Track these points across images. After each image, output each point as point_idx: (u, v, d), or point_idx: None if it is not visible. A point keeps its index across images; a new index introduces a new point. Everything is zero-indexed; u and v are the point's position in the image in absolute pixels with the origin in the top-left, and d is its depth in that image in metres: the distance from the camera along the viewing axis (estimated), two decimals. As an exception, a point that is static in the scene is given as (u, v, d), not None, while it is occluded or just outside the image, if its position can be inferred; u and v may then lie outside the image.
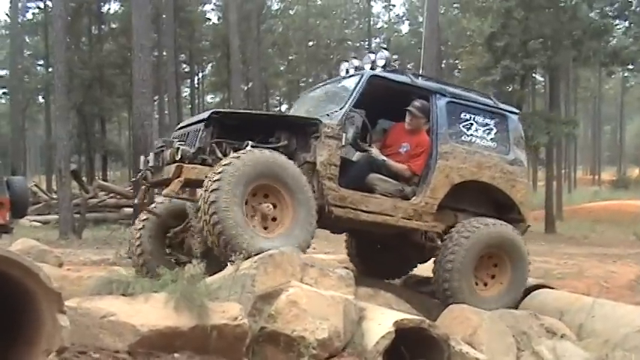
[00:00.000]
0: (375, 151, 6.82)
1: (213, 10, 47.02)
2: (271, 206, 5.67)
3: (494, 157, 7.15)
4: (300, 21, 47.85)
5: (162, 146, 6.30)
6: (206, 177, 5.45)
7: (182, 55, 45.34)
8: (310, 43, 48.90)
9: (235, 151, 5.85)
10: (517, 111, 7.80)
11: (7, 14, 36.73)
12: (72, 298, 4.06)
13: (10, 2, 29.41)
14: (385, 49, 7.23)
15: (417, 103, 6.86)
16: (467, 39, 28.82)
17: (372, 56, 6.96)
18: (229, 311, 4.28)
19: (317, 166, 6.12)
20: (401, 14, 58.43)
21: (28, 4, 41.75)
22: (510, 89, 24.35)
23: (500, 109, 7.48)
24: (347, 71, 7.22)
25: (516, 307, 6.93)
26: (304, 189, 5.75)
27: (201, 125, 6.04)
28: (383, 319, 5.21)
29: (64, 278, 4.30)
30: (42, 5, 39.58)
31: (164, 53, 33.93)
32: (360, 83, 6.58)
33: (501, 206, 7.27)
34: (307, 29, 46.76)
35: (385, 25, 56.88)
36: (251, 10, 39.89)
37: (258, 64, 38.92)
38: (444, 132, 6.89)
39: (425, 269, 7.84)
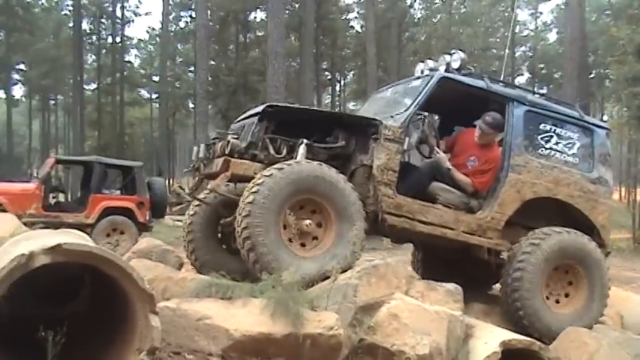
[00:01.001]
0: (441, 157, 6.47)
1: (356, 18, 47.43)
2: (312, 223, 5.32)
3: (574, 173, 6.60)
4: (443, 29, 47.23)
5: (215, 138, 6.11)
6: (246, 189, 5.17)
7: (324, 63, 46.11)
8: (453, 52, 48.24)
9: (290, 148, 5.69)
10: (606, 126, 7.19)
11: (160, 23, 38.80)
12: (173, 298, 4.18)
13: (162, 12, 31.00)
14: (462, 51, 6.79)
15: (488, 117, 6.40)
16: (617, 48, 27.34)
17: (448, 57, 6.55)
18: (325, 321, 4.25)
19: (373, 170, 5.77)
20: (548, 22, 56.36)
21: (182, 13, 43.90)
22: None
23: (586, 122, 6.92)
24: (422, 72, 6.81)
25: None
26: (352, 206, 5.37)
27: (255, 119, 5.80)
28: (490, 338, 5.02)
29: (169, 279, 4.42)
30: (193, 14, 41.48)
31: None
32: (429, 85, 6.18)
33: (580, 228, 6.50)
34: (450, 37, 45.98)
35: (531, 33, 55.06)
36: (392, 18, 39.92)
37: (397, 73, 38.84)
38: (518, 143, 6.40)
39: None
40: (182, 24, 45.49)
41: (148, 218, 14.20)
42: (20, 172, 43.29)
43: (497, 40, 51.75)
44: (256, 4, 38.98)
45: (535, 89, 55.42)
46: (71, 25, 41.84)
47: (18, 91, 50.24)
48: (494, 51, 51.14)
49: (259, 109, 5.85)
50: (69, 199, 16.88)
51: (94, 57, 48.32)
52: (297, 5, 35.89)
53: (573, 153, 6.67)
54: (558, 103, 7.13)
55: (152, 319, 3.41)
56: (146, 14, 69.19)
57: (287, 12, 37.11)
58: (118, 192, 14.21)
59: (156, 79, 48.49)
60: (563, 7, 51.49)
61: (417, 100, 6.10)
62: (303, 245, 5.31)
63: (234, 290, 4.35)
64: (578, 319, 6.14)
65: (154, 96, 51.73)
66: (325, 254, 5.21)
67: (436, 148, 6.53)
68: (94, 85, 48.38)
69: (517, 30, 51.20)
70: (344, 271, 4.95)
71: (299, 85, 32.71)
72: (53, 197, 14.62)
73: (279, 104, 6.12)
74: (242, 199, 5.07)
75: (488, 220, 6.24)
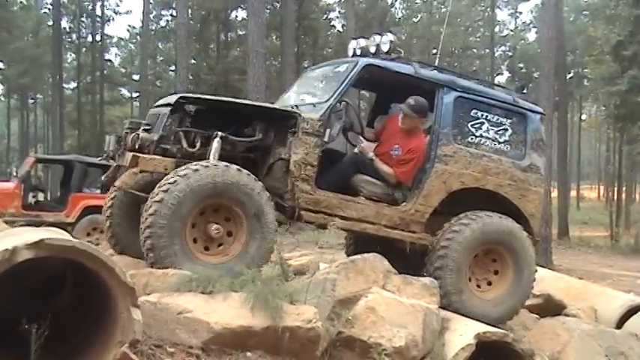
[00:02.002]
0: (365, 146, 6.31)
1: (337, 17, 47.54)
2: (221, 230, 5.06)
3: (504, 162, 6.42)
4: (423, 29, 47.49)
5: (129, 128, 5.80)
6: (157, 186, 4.92)
7: (305, 62, 46.22)
8: (433, 51, 48.49)
9: (205, 141, 5.45)
10: (540, 110, 6.98)
11: (141, 22, 38.67)
12: (154, 293, 4.26)
13: (143, 10, 30.94)
14: (390, 32, 6.61)
15: (411, 100, 6.13)
16: (595, 47, 27.75)
17: (378, 38, 6.37)
18: (304, 314, 4.35)
19: (291, 165, 5.55)
20: (528, 22, 56.80)
21: (162, 12, 43.76)
22: (637, 100, 23.21)
23: (520, 107, 6.71)
24: (354, 51, 6.56)
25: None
26: (266, 217, 5.13)
27: (167, 110, 5.52)
28: (465, 330, 5.17)
29: (150, 274, 4.48)
30: (174, 13, 41.40)
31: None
32: (353, 73, 5.96)
33: (510, 217, 6.35)
34: (430, 37, 46.27)
35: (511, 33, 55.47)
36: (373, 17, 40.06)
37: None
38: (447, 132, 6.18)
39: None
40: (163, 23, 45.31)
41: None
42: (-1, 171, 43.11)
43: (477, 39, 52.20)
44: (237, 2, 38.94)
45: (515, 88, 56.18)
46: (50, 23, 41.48)
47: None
48: (474, 50, 51.58)
49: (172, 99, 5.60)
50: (48, 199, 16.80)
51: (73, 55, 48.03)
52: (278, 5, 35.90)
53: (505, 140, 6.50)
54: (492, 87, 6.95)
55: (134, 312, 3.50)
56: (126, 13, 68.87)
57: (268, 11, 37.15)
58: (99, 191, 14.18)
59: (136, 77, 48.29)
60: (541, 6, 52.18)
61: (339, 90, 5.90)
62: (206, 249, 5.12)
63: (215, 285, 4.41)
64: (502, 304, 6.15)
65: (135, 95, 51.49)
66: (227, 264, 4.99)
67: (360, 137, 6.39)
68: (73, 84, 48.09)
69: (497, 30, 51.64)
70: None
71: (280, 84, 32.77)
72: (33, 196, 14.57)
73: (191, 95, 5.92)
74: (151, 195, 4.88)
75: (412, 213, 6.08)
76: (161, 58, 48.75)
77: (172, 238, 4.77)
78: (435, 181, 6.10)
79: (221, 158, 5.29)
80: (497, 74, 53.08)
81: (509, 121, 6.54)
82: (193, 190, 4.82)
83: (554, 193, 24.00)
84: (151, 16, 38.52)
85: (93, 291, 3.68)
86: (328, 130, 5.72)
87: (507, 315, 6.22)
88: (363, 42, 6.53)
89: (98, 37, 46.40)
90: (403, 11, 49.63)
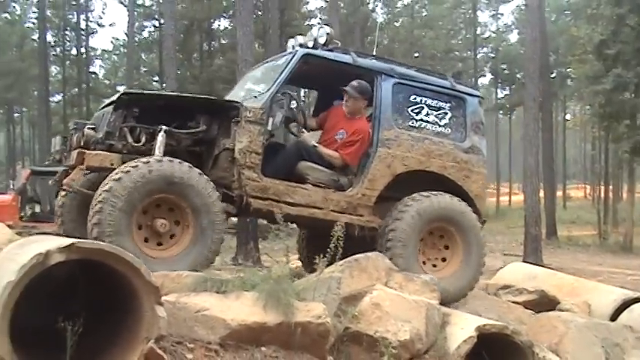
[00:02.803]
0: (306, 136, 6.37)
1: (319, 24, 47.82)
2: (167, 223, 5.16)
3: (446, 144, 6.59)
4: (406, 33, 47.86)
5: (74, 128, 5.88)
6: (101, 185, 5.01)
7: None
8: (416, 55, 48.83)
9: (150, 136, 5.53)
10: (477, 93, 7.20)
11: (125, 33, 38.81)
12: (171, 293, 4.46)
13: (128, 22, 31.10)
14: (326, 25, 6.79)
15: (355, 82, 6.30)
16: (578, 47, 28.16)
17: (315, 32, 6.49)
18: (313, 310, 4.55)
19: (236, 153, 5.64)
20: (509, 23, 57.35)
21: (145, 23, 43.88)
22: (622, 98, 23.57)
23: (458, 90, 6.87)
24: (293, 48, 6.63)
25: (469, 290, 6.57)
26: (211, 206, 5.25)
27: (111, 108, 5.59)
28: (466, 324, 5.35)
29: (165, 276, 4.68)
30: (157, 24, 41.53)
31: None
32: (291, 62, 6.09)
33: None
34: (412, 41, 46.69)
35: (493, 35, 55.98)
36: (355, 22, 40.36)
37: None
38: (387, 116, 6.33)
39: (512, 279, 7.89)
40: (146, 34, 45.47)
41: None
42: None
43: (459, 42, 52.63)
44: (220, 12, 39.18)
45: (498, 90, 56.61)
46: (35, 37, 41.67)
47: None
48: (456, 53, 51.99)
49: (114, 97, 5.66)
50: (44, 210, 16.91)
51: (58, 68, 48.06)
52: (260, 13, 36.10)
53: (445, 123, 6.66)
54: (429, 73, 7.10)
55: (158, 309, 3.71)
56: (110, 25, 68.99)
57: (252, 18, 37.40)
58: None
59: (121, 89, 48.35)
60: (523, 8, 52.60)
61: (279, 79, 6.01)
62: (159, 244, 5.20)
63: (228, 285, 4.62)
64: (456, 281, 6.35)
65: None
66: (180, 256, 5.15)
67: (301, 129, 6.44)
68: (59, 97, 48.11)
69: (478, 32, 52.10)
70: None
71: (266, 92, 32.92)
72: (29, 208, 14.72)
73: (134, 91, 6.06)
74: (96, 194, 4.94)
75: (359, 197, 6.18)
76: (145, 69, 48.85)
77: (118, 233, 4.85)
78: (379, 165, 6.25)
79: (166, 153, 5.38)
80: (480, 76, 53.65)
81: (447, 105, 6.73)
82: (136, 186, 4.91)
83: (541, 193, 24.24)
84: (134, 27, 38.65)
85: (120, 291, 3.87)
86: (271, 119, 5.81)
87: (462, 291, 6.44)
88: (300, 38, 6.69)
89: (83, 50, 46.47)
90: (385, 16, 49.99)
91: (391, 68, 6.57)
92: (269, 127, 5.82)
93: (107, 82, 53.13)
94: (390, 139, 6.30)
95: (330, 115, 6.70)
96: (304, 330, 4.45)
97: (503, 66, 52.70)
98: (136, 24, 40.93)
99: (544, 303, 7.33)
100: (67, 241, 3.51)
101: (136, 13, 38.23)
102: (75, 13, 45.22)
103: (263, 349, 4.34)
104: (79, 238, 5.62)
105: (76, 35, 45.67)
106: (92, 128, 5.60)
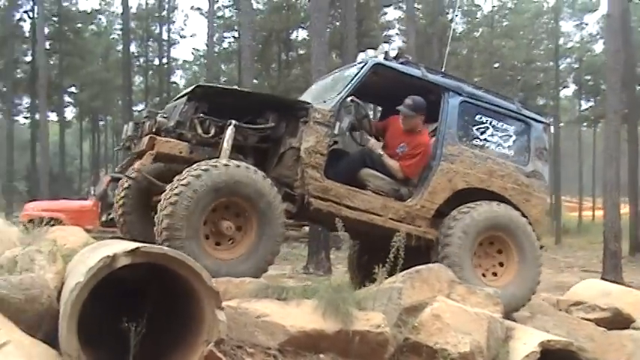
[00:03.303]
0: (373, 143, 6.41)
1: (397, 34, 47.76)
2: (232, 227, 5.24)
3: (509, 165, 6.58)
4: (485, 43, 47.24)
5: (146, 116, 5.99)
6: (169, 187, 5.05)
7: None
8: (495, 65, 48.16)
9: (219, 129, 5.62)
10: (544, 120, 7.19)
11: (205, 44, 39.75)
12: (234, 299, 4.59)
13: (208, 33, 31.83)
14: (387, 42, 6.81)
15: (408, 100, 6.31)
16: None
17: (386, 46, 6.50)
18: (373, 320, 4.61)
19: (301, 152, 5.68)
20: (594, 32, 55.73)
21: (225, 34, 44.79)
22: None
23: (524, 115, 6.87)
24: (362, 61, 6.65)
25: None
26: (275, 213, 5.29)
27: (184, 99, 5.75)
28: (529, 338, 5.29)
29: (228, 282, 4.81)
30: (236, 35, 42.32)
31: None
32: (363, 70, 6.16)
33: None
34: (492, 51, 46.00)
35: (577, 45, 54.55)
36: (433, 33, 40.14)
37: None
38: (452, 132, 6.37)
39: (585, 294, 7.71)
40: (226, 44, 46.38)
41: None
42: (71, 190, 44.57)
43: (541, 52, 51.52)
44: (298, 22, 39.65)
45: (581, 101, 55.17)
46: (120, 48, 43.07)
47: (69, 113, 51.70)
48: (538, 63, 50.92)
49: (189, 89, 5.83)
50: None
51: (141, 78, 49.52)
52: (338, 23, 36.33)
53: (509, 145, 6.66)
54: (497, 95, 7.06)
55: (219, 313, 3.84)
56: (191, 36, 70.70)
57: (328, 29, 37.71)
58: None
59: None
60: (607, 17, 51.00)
61: (350, 86, 6.07)
62: (217, 244, 5.27)
63: (289, 292, 4.73)
64: (510, 295, 6.16)
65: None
66: (242, 258, 5.22)
67: (367, 136, 6.47)
68: (141, 106, 49.56)
69: (561, 42, 50.90)
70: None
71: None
72: (108, 214, 15.20)
73: (208, 84, 6.14)
74: (164, 196, 5.02)
75: (418, 208, 6.19)
76: (224, 79, 49.84)
77: (189, 232, 4.94)
78: (440, 179, 6.26)
79: (233, 148, 5.50)
80: (563, 87, 52.28)
81: (513, 128, 6.73)
82: (204, 190, 4.97)
83: (625, 208, 23.44)
84: (214, 38, 39.48)
85: (182, 295, 4.02)
86: (338, 123, 5.88)
87: (512, 305, 6.23)
88: (371, 52, 6.67)
89: (165, 60, 47.77)
90: (464, 26, 49.45)
91: (459, 86, 6.61)
92: (336, 131, 5.90)
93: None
94: (453, 154, 6.32)
95: (390, 127, 6.70)
96: (362, 339, 4.50)
97: (588, 77, 51.24)
98: (216, 35, 41.84)
99: (618, 321, 7.13)
100: (133, 245, 3.67)
101: (215, 24, 39.08)
102: (158, 24, 46.53)
103: (321, 356, 4.42)
104: (138, 234, 5.93)
105: (159, 46, 46.99)
106: (164, 117, 5.75)
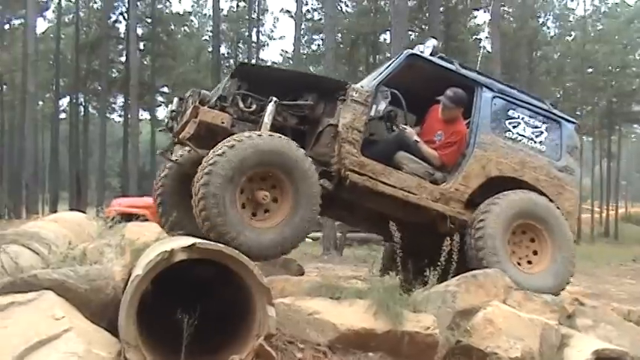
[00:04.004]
0: (409, 130, 6.47)
1: (487, 38, 47.08)
2: (268, 196, 5.23)
3: (541, 159, 6.68)
4: (577, 47, 46.01)
5: (189, 95, 6.08)
6: (204, 159, 5.08)
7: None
8: (589, 70, 46.84)
9: (260, 106, 5.74)
10: (573, 120, 7.25)
11: (293, 46, 40.32)
12: (289, 296, 4.80)
13: (295, 35, 32.30)
14: (434, 37, 6.82)
15: (450, 92, 6.40)
16: None
17: (421, 46, 6.62)
18: (423, 321, 4.72)
19: (339, 127, 5.78)
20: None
21: (314, 37, 45.27)
22: None
23: (554, 114, 6.98)
24: None
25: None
26: (311, 187, 5.30)
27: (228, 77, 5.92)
28: (584, 346, 5.29)
29: (286, 280, 5.03)
30: (324, 37, 42.72)
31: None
32: (398, 59, 6.35)
33: None
34: (584, 56, 44.78)
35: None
36: (523, 37, 39.47)
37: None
38: (486, 123, 6.50)
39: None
40: (314, 47, 46.83)
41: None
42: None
43: (638, 57, 49.71)
44: (385, 26, 39.74)
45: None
46: (210, 49, 44.13)
47: (161, 112, 53.39)
48: (633, 69, 49.19)
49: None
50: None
51: (231, 80, 50.50)
52: (425, 27, 36.24)
53: (541, 141, 6.76)
54: (529, 95, 7.13)
55: (269, 309, 4.06)
56: (280, 38, 71.55)
57: (416, 33, 37.62)
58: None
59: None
60: None
61: (385, 71, 6.25)
62: (254, 215, 5.26)
63: (343, 292, 4.90)
64: (546, 280, 6.20)
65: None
66: (279, 226, 5.20)
67: (402, 125, 6.58)
68: (231, 106, 50.58)
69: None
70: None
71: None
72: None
73: (251, 62, 6.33)
74: (200, 168, 5.05)
75: (452, 191, 6.27)
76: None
77: (225, 198, 4.95)
78: (474, 165, 6.36)
79: (273, 128, 5.58)
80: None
81: (544, 125, 6.84)
82: (239, 160, 5.01)
83: None
84: (303, 40, 39.98)
85: (235, 290, 4.25)
86: (375, 106, 5.97)
87: (561, 284, 6.35)
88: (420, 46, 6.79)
89: (254, 62, 48.69)
90: (556, 30, 48.30)
91: (491, 82, 6.78)
92: (372, 113, 5.99)
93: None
94: (486, 142, 6.44)
95: (428, 117, 6.85)
96: (412, 339, 4.63)
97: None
98: (305, 37, 42.35)
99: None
100: (190, 240, 3.93)
101: (304, 27, 39.60)
102: (247, 27, 47.45)
103: (370, 354, 4.57)
104: (176, 211, 6.06)
105: (248, 48, 47.84)
106: (208, 93, 5.96)
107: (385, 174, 5.98)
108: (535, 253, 6.42)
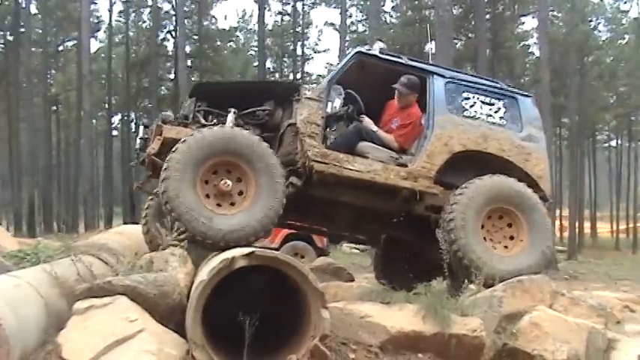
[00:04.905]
0: (366, 121, 6.62)
1: (535, 44, 46.61)
2: (229, 182, 5.41)
3: (503, 131, 6.74)
4: (631, 51, 45.18)
5: (156, 119, 6.38)
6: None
7: (500, 91, 45.57)
8: (640, 74, 45.95)
9: (221, 118, 6.09)
10: (528, 93, 7.36)
11: (338, 59, 40.75)
12: (341, 301, 5.07)
13: (339, 48, 32.64)
14: (380, 40, 6.99)
15: (403, 78, 6.62)
16: None
17: (380, 44, 6.78)
18: (469, 324, 4.94)
19: (297, 124, 5.97)
20: None
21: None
22: None
23: (510, 91, 7.10)
24: None
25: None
26: (271, 168, 5.47)
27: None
28: (631, 350, 5.42)
29: (338, 286, 5.29)
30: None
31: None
32: (347, 58, 6.55)
33: None
34: (638, 60, 43.94)
35: None
36: (572, 42, 39.07)
37: (578, 99, 37.72)
38: (441, 105, 6.60)
39: None
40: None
41: (325, 243, 15.20)
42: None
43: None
44: (433, 35, 39.84)
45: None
46: (256, 64, 44.76)
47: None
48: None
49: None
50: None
51: (275, 93, 51.03)
52: (471, 35, 36.23)
53: (500, 117, 6.85)
54: (482, 78, 7.34)
55: (323, 312, 4.32)
56: (324, 51, 71.96)
57: (462, 41, 37.59)
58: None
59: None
60: None
61: (337, 69, 6.48)
62: (219, 205, 5.41)
63: (392, 297, 5.15)
64: (525, 261, 6.15)
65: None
66: (245, 211, 5.37)
67: (362, 117, 6.66)
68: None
69: None
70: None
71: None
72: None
73: (207, 82, 6.57)
74: (162, 168, 5.31)
75: (419, 170, 6.32)
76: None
77: (184, 187, 5.21)
78: (436, 143, 6.44)
79: None
80: None
81: (501, 102, 6.93)
82: (197, 146, 5.29)
83: None
84: (347, 52, 40.27)
85: (291, 294, 4.53)
86: (330, 103, 6.13)
87: (537, 267, 6.22)
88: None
89: (299, 75, 49.15)
90: (608, 33, 47.49)
91: (442, 70, 6.96)
92: (328, 110, 6.14)
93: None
94: (445, 121, 6.55)
95: (385, 111, 7.03)
96: (459, 342, 4.84)
97: None
98: (350, 49, 42.60)
99: None
100: (249, 249, 4.23)
101: (349, 39, 39.88)
102: (292, 40, 48.00)
103: (420, 355, 4.80)
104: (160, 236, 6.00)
105: (293, 62, 48.39)
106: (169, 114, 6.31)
107: (349, 160, 6.12)
108: (512, 237, 6.41)
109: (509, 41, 39.77)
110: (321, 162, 5.97)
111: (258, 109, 6.28)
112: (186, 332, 4.08)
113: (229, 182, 5.39)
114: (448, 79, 6.79)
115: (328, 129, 6.42)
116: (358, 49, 6.77)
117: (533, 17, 40.94)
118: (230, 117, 5.99)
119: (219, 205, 5.40)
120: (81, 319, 3.87)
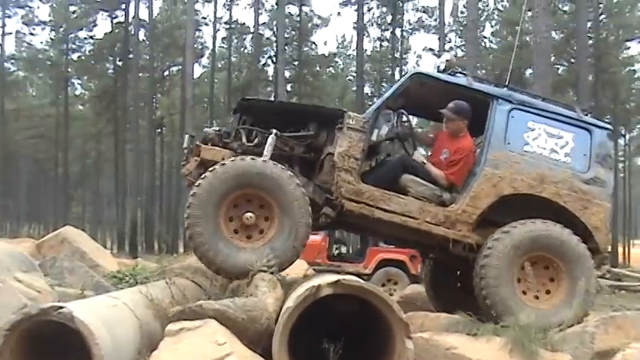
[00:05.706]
0: (416, 154, 6.38)
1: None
2: (253, 216, 5.41)
3: (563, 172, 6.20)
4: None
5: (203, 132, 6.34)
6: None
7: (605, 118, 44.33)
8: None
9: (263, 138, 5.88)
10: (608, 126, 6.68)
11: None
12: (427, 331, 5.08)
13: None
14: (448, 51, 6.65)
15: (451, 104, 6.26)
16: None
17: (437, 60, 6.51)
18: (559, 360, 4.87)
19: (334, 156, 5.79)
20: None
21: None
22: None
23: (584, 121, 6.46)
24: None
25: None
26: (296, 202, 5.39)
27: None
28: None
29: (425, 316, 5.30)
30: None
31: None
32: (400, 82, 6.24)
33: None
34: None
35: None
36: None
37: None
38: (499, 139, 6.15)
39: None
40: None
41: (419, 270, 15.12)
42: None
43: None
44: (529, 62, 39.20)
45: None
46: (354, 89, 45.17)
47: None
48: None
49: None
50: (349, 251, 18.37)
51: (375, 118, 51.32)
52: (573, 60, 35.40)
53: (566, 152, 6.32)
54: (554, 103, 6.71)
55: (407, 342, 4.36)
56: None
57: (564, 67, 36.75)
58: (393, 245, 15.26)
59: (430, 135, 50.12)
60: None
61: (386, 95, 6.23)
62: (249, 238, 5.45)
63: (479, 328, 5.12)
64: (553, 316, 5.74)
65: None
66: (266, 246, 5.35)
67: (413, 148, 6.47)
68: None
69: None
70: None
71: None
72: (336, 248, 16.05)
73: (253, 97, 6.43)
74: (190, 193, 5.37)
75: (459, 213, 6.01)
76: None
77: (206, 222, 5.25)
78: (484, 184, 6.08)
79: (280, 158, 5.79)
80: None
81: (570, 134, 6.38)
82: (220, 180, 5.29)
83: None
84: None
85: (376, 323, 4.60)
86: (376, 130, 6.01)
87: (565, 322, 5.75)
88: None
89: (256, 97, 49.18)
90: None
91: (509, 94, 6.43)
92: (373, 138, 6.03)
93: (420, 129, 55.41)
94: (498, 159, 6.15)
95: (437, 138, 6.81)
96: (549, 377, 4.77)
97: None
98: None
99: None
100: (335, 277, 4.33)
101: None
102: (391, 66, 48.15)
103: (510, 390, 4.75)
104: None
105: (391, 86, 48.47)
106: (217, 131, 6.20)
107: (384, 200, 5.93)
108: (548, 292, 6.02)
109: (613, 66, 38.68)
110: (354, 200, 5.87)
111: (301, 134, 6.16)
112: (272, 357, 4.21)
113: (252, 215, 5.45)
114: (515, 105, 6.36)
115: (374, 156, 6.38)
116: (415, 70, 6.62)
117: (638, 42, 39.67)
118: (270, 139, 5.85)
119: (249, 237, 5.48)
120: (172, 340, 4.05)
